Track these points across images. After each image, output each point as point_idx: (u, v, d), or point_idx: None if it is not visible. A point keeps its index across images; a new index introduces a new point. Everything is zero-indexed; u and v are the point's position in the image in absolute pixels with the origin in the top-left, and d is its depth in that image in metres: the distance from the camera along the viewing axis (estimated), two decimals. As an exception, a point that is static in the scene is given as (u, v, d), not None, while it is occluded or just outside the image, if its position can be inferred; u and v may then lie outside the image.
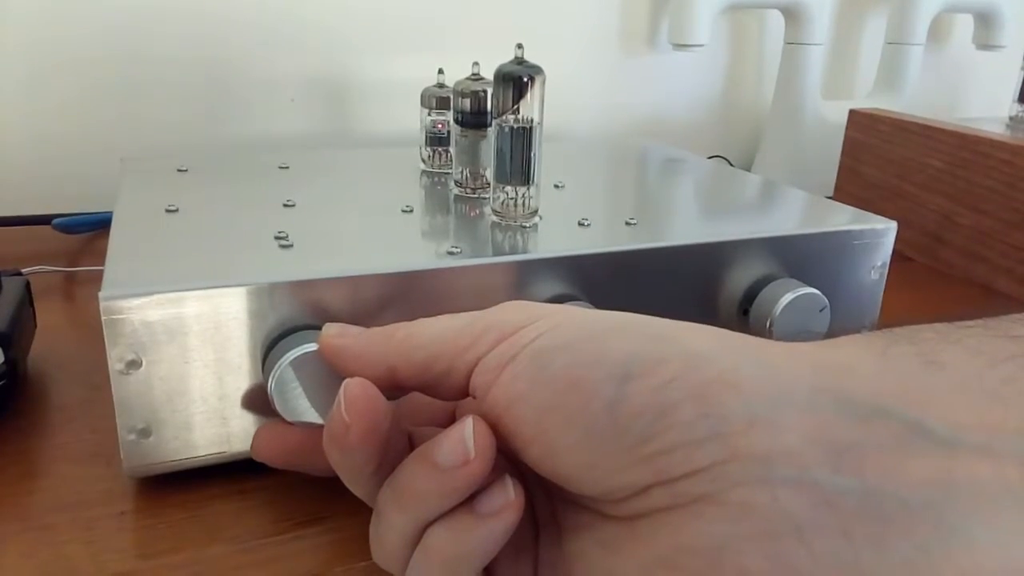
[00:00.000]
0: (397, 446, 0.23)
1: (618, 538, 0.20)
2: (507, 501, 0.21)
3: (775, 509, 0.17)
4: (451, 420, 0.26)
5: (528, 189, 0.36)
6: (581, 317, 0.22)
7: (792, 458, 0.17)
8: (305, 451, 0.27)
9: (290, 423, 0.28)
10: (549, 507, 0.23)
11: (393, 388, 0.23)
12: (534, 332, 0.21)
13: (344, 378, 0.23)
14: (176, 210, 0.37)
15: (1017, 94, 0.73)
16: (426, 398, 0.24)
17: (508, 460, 0.22)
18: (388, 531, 0.22)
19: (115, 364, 0.27)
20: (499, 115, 0.35)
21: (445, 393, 0.23)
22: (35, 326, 0.39)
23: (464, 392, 0.23)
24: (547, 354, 0.20)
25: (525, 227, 0.36)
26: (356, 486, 0.23)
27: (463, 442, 0.20)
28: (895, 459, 0.17)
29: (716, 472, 0.18)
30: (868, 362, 0.19)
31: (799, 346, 0.20)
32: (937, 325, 0.20)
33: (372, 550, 0.23)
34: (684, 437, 0.18)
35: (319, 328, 0.29)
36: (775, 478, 0.17)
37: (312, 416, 0.28)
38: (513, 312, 0.23)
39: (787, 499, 0.17)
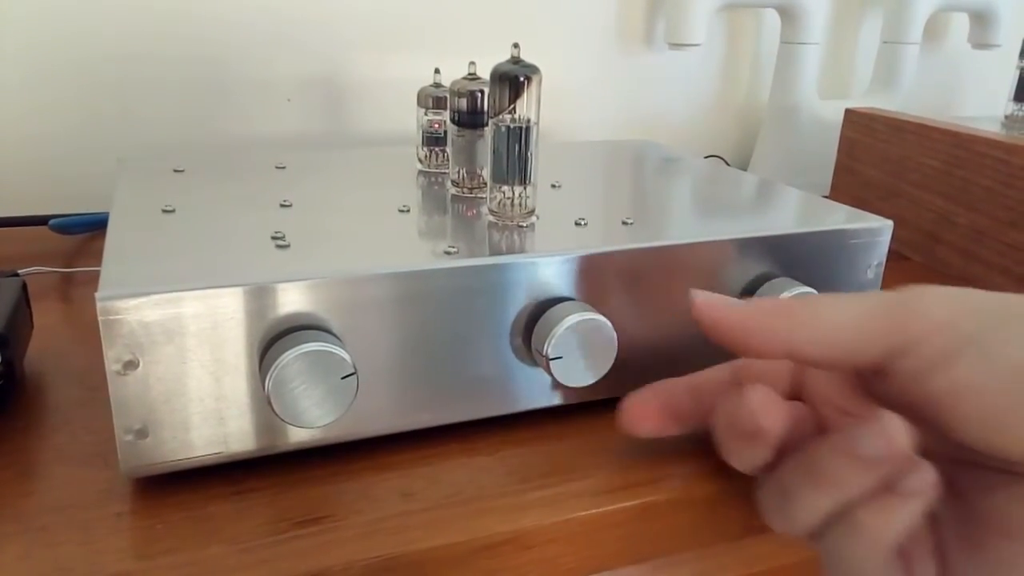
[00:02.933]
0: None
1: None
2: (927, 482, 0.24)
3: None
4: (792, 388, 0.30)
5: (525, 189, 0.36)
6: (1017, 306, 0.24)
7: None
8: (677, 418, 0.31)
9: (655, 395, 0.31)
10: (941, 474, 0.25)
11: (787, 360, 0.26)
12: (972, 323, 0.23)
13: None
14: (173, 210, 0.37)
15: (1012, 93, 0.73)
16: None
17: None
18: (801, 508, 0.25)
19: (112, 365, 0.27)
20: (496, 115, 0.35)
21: (848, 370, 0.26)
22: (32, 327, 0.39)
23: (869, 370, 0.25)
24: (997, 345, 0.23)
25: (522, 227, 0.36)
26: (742, 464, 0.27)
27: (887, 436, 0.23)
28: None
29: None
30: None
31: None
32: None
33: (772, 520, 0.26)
34: None
35: (315, 328, 0.29)
36: None
37: (313, 416, 0.28)
38: (938, 301, 0.24)
39: None
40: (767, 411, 0.25)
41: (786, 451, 0.26)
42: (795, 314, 0.25)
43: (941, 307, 0.24)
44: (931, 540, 0.25)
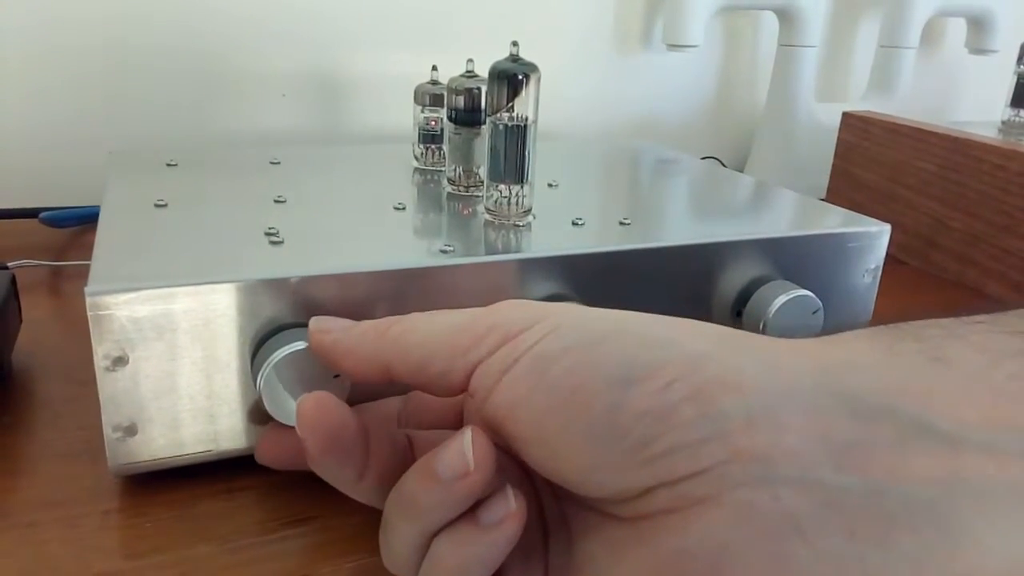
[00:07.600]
0: (383, 450, 0.23)
1: (623, 539, 0.20)
2: (508, 512, 0.21)
3: (777, 509, 0.17)
4: (458, 417, 0.27)
5: (522, 188, 0.36)
6: (581, 319, 0.21)
7: (794, 457, 0.17)
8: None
9: (289, 427, 0.27)
10: (558, 509, 0.23)
11: (387, 384, 0.23)
12: (535, 336, 0.21)
13: (335, 373, 0.22)
14: (165, 205, 0.36)
15: (1009, 98, 0.73)
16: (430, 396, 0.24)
17: (517, 462, 0.22)
18: (396, 539, 0.22)
19: (101, 360, 0.27)
20: (493, 113, 0.35)
21: (440, 391, 0.23)
22: (20, 321, 0.38)
23: (461, 391, 0.22)
24: (547, 359, 0.20)
25: (518, 226, 0.36)
26: (348, 491, 0.24)
27: (462, 454, 0.20)
28: (898, 457, 0.17)
29: (717, 473, 0.17)
30: (873, 359, 0.19)
31: (803, 343, 0.20)
32: (943, 320, 0.20)
33: (383, 555, 0.23)
34: (685, 438, 0.18)
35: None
36: (776, 478, 0.17)
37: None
38: (513, 313, 0.22)
39: (789, 499, 0.17)
40: (306, 419, 0.22)
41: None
42: (389, 333, 0.23)
43: (516, 318, 0.22)
44: None
